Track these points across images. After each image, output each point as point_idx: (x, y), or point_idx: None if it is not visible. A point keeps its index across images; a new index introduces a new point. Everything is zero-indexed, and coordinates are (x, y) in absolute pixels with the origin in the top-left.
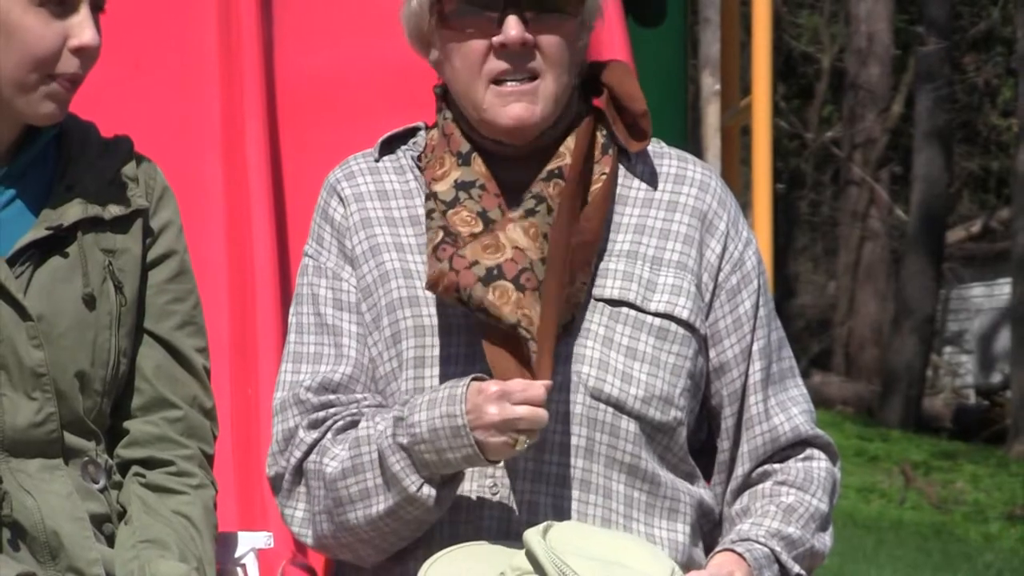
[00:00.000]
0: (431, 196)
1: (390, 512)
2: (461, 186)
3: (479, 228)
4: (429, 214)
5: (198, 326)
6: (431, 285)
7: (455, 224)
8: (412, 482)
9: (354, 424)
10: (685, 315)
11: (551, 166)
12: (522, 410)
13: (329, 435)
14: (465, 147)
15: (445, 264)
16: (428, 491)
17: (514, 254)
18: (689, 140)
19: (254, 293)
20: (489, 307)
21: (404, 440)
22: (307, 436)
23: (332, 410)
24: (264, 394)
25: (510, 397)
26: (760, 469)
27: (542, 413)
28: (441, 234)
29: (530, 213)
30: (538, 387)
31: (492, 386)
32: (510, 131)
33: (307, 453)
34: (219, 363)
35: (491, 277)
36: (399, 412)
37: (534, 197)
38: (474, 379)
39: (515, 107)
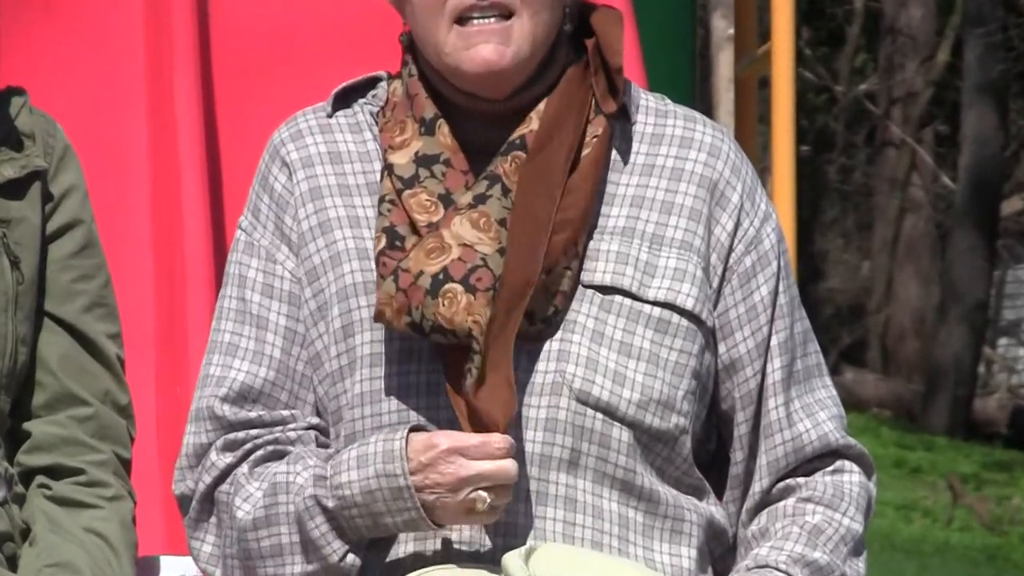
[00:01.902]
0: (387, 168)
1: None
2: (422, 161)
3: (439, 216)
4: (382, 199)
5: (109, 308)
6: (378, 316)
7: (412, 209)
8: (334, 550)
9: (276, 456)
10: (689, 304)
11: (514, 135)
12: (486, 466)
13: (245, 466)
14: (430, 112)
15: (390, 283)
16: (352, 560)
17: (461, 252)
18: (697, 95)
19: (184, 275)
20: (442, 320)
21: (330, 503)
22: (220, 460)
23: (253, 432)
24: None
25: (466, 453)
26: (781, 484)
27: (509, 466)
28: (384, 239)
29: (480, 200)
30: (498, 439)
31: (442, 441)
32: (478, 79)
33: (219, 480)
34: (143, 356)
35: (438, 284)
36: (320, 469)
37: (487, 178)
38: (412, 430)
39: (482, 49)
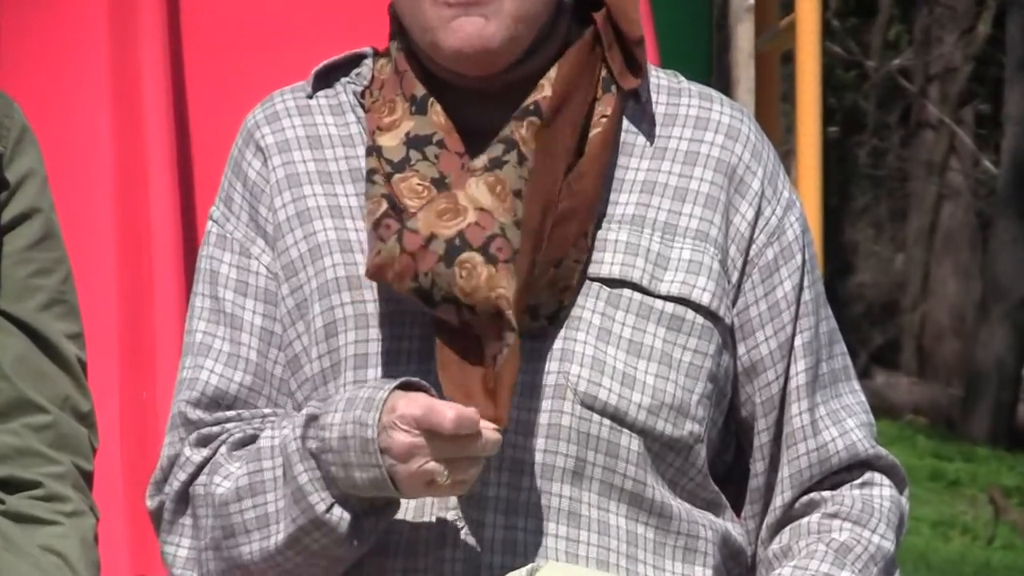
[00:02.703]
0: (374, 151)
1: (292, 540)
2: (413, 142)
3: None
4: (370, 175)
5: (69, 306)
6: (376, 272)
7: (402, 194)
8: (321, 499)
9: (255, 438)
10: (705, 299)
11: (527, 101)
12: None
13: (223, 449)
14: (421, 89)
15: (393, 244)
16: (339, 513)
17: (479, 217)
18: (714, 71)
19: (151, 269)
20: (460, 293)
21: (313, 445)
22: (195, 454)
23: (229, 425)
24: (164, 398)
25: (432, 418)
26: (805, 498)
27: (473, 441)
28: (384, 204)
29: (496, 164)
30: (470, 414)
31: (400, 404)
32: (460, 58)
33: (194, 475)
34: (105, 359)
35: (454, 250)
36: (315, 408)
37: (502, 142)
38: (407, 384)
39: (463, 25)
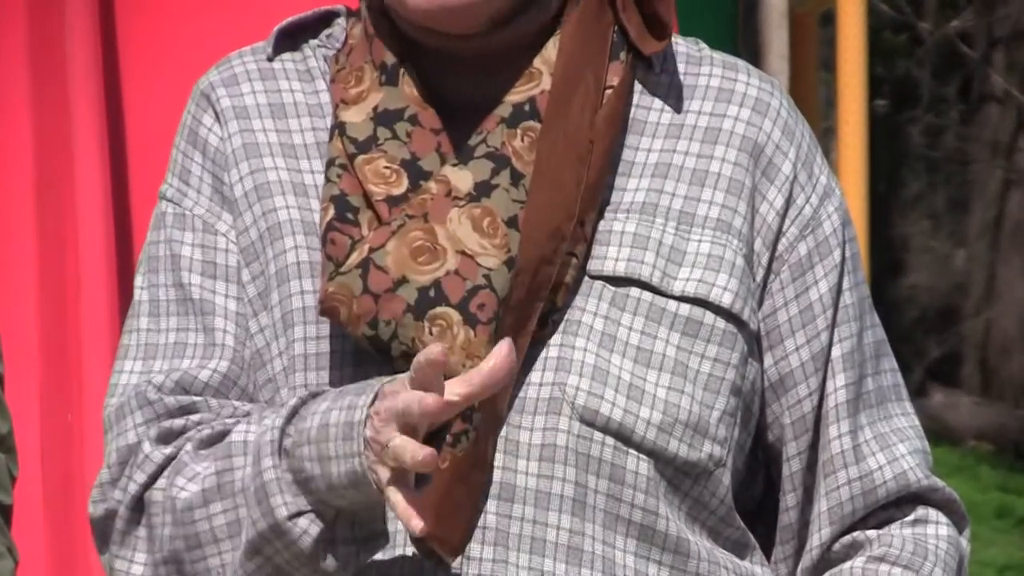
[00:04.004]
0: (337, 128)
1: (252, 549)
2: (382, 118)
3: (401, 188)
4: (331, 163)
5: None
6: (328, 310)
7: (366, 178)
8: (285, 503)
9: (226, 434)
10: (727, 300)
11: (517, 96)
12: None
13: (189, 447)
14: (392, 57)
15: (354, 277)
16: (305, 525)
17: (459, 263)
18: (741, 35)
19: (76, 274)
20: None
21: (288, 441)
22: (155, 452)
23: (195, 417)
24: (91, 420)
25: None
26: (846, 538)
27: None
28: (332, 210)
29: (483, 191)
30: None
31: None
32: (429, 16)
33: (153, 477)
34: (24, 375)
35: (427, 302)
36: (300, 399)
37: (489, 157)
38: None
39: None
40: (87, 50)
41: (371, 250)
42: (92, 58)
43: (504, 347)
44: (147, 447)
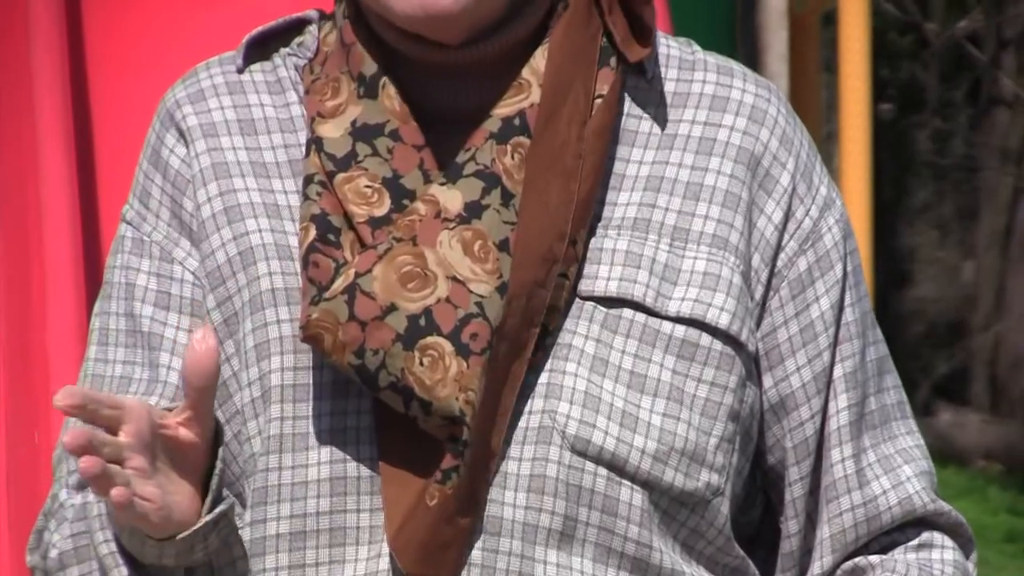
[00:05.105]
0: (314, 144)
1: None
2: (361, 133)
3: (384, 208)
4: (308, 180)
5: None
6: (311, 337)
7: (346, 199)
8: (103, 538)
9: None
10: (724, 321)
11: (506, 109)
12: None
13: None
14: (371, 67)
15: (339, 303)
16: (114, 562)
17: (451, 290)
18: (738, 36)
19: (43, 284)
20: (416, 384)
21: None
22: (69, 499)
23: None
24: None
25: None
26: (849, 564)
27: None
28: (313, 231)
29: (473, 212)
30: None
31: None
32: (415, 22)
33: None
34: None
35: (417, 331)
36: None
37: (479, 175)
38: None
39: None
40: (52, 50)
41: (357, 275)
42: (58, 56)
43: (199, 332)
44: (63, 495)
